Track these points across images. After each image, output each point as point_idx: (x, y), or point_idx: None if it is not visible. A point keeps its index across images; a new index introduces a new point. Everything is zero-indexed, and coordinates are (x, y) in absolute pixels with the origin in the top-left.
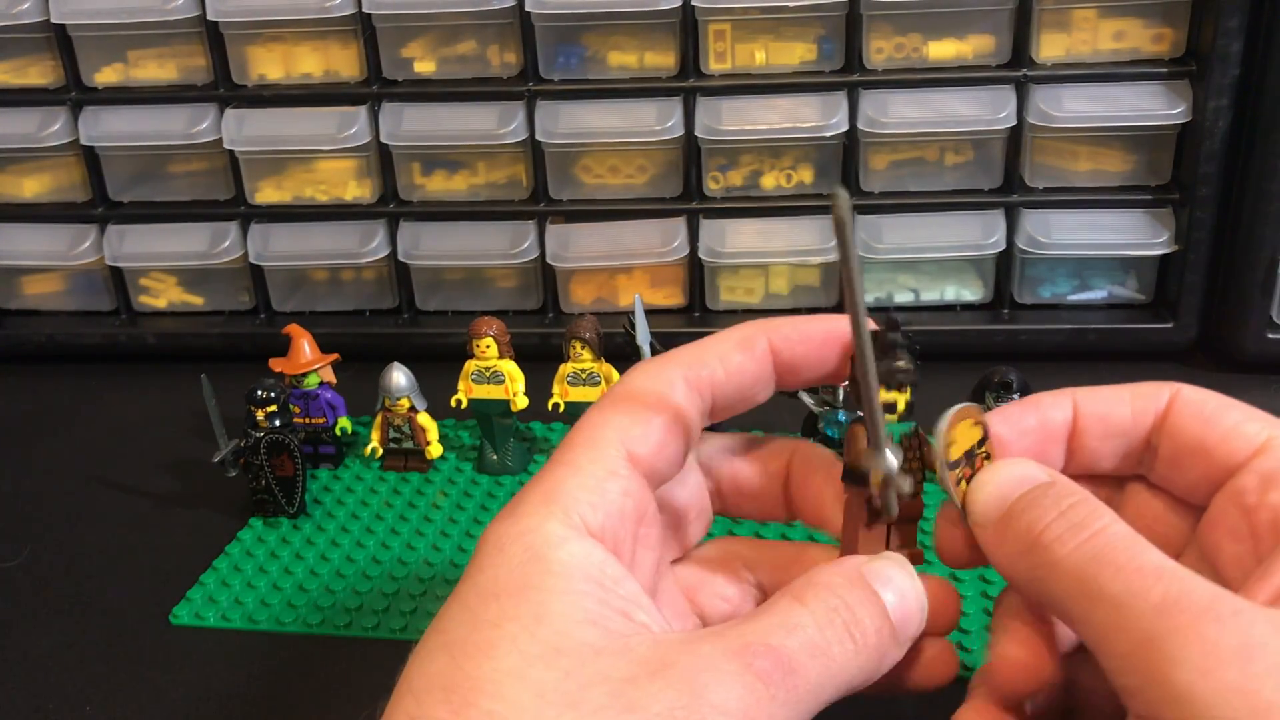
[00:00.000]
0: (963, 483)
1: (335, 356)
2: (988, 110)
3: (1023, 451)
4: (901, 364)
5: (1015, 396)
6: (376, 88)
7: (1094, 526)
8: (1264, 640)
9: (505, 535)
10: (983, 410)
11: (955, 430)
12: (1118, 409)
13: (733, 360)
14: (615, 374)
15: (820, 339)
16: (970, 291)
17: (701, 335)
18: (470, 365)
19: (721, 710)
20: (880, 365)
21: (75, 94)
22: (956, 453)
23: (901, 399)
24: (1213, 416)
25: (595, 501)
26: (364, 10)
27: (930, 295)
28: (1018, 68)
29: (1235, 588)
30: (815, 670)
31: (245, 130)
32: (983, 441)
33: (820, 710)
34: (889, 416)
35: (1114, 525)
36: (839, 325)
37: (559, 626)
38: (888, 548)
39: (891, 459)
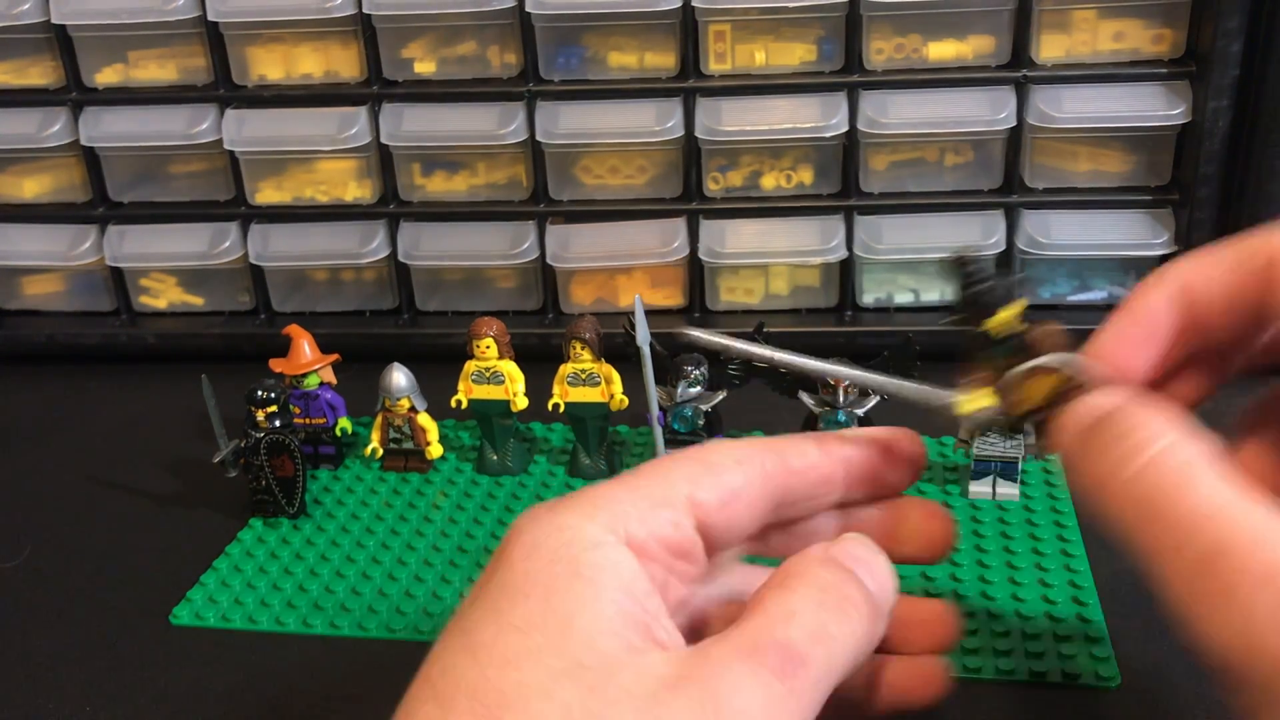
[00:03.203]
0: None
1: (335, 357)
2: (987, 111)
3: (1142, 355)
4: (988, 298)
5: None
6: (377, 88)
7: (1137, 462)
8: None
9: (541, 530)
10: (1049, 344)
11: (1025, 387)
12: (1221, 280)
13: (810, 456)
14: (615, 374)
15: (880, 454)
16: None
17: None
18: (470, 366)
19: (745, 715)
20: (973, 298)
21: (76, 94)
22: (1031, 404)
23: (1007, 315)
24: None
25: (642, 519)
26: (364, 11)
27: (930, 295)
28: (1018, 68)
29: None
30: (821, 654)
31: (245, 131)
32: (1069, 380)
33: (830, 691)
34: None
35: (1161, 456)
36: (904, 437)
37: (584, 639)
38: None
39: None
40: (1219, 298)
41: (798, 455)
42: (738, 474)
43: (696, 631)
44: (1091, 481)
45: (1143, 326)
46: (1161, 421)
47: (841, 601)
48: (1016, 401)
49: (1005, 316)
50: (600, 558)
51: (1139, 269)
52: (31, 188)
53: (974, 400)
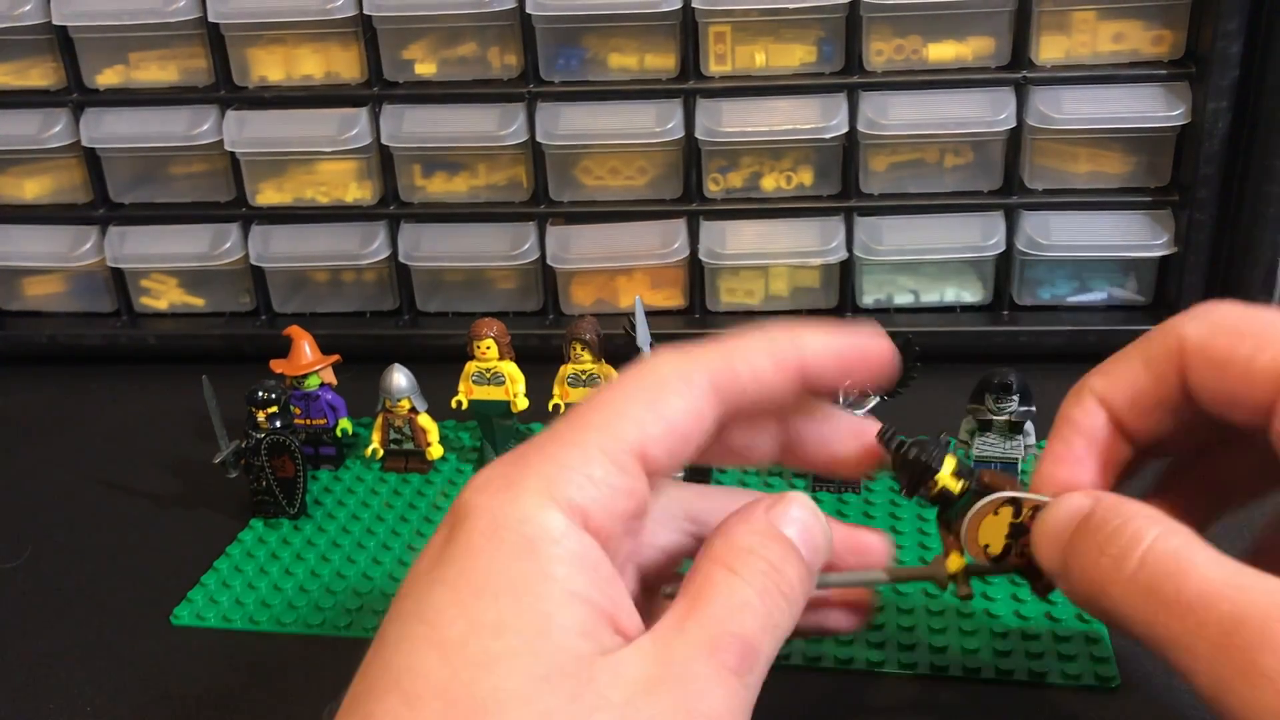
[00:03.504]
0: (1026, 550)
1: (336, 358)
2: (987, 112)
3: (1083, 471)
4: (922, 469)
5: (1015, 398)
6: (377, 89)
7: (1135, 555)
8: None
9: (500, 518)
10: (998, 488)
11: (980, 532)
12: (1140, 384)
13: (762, 371)
14: (616, 375)
15: (849, 356)
16: (970, 293)
17: (702, 337)
18: (471, 366)
19: (713, 716)
20: (906, 478)
21: (77, 95)
22: (997, 546)
23: (942, 484)
24: (1224, 365)
25: (598, 496)
26: (365, 12)
27: (930, 297)
28: (1017, 69)
29: None
30: (769, 643)
31: (246, 132)
32: (1018, 510)
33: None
34: (952, 501)
35: (1156, 545)
36: (867, 341)
37: (560, 642)
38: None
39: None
40: (1137, 400)
41: (749, 369)
42: (684, 400)
43: (646, 582)
44: (1093, 585)
45: (1073, 445)
46: (1143, 513)
47: (782, 585)
48: (983, 546)
49: (943, 477)
50: (564, 552)
51: (1139, 270)
52: (32, 189)
53: (954, 561)
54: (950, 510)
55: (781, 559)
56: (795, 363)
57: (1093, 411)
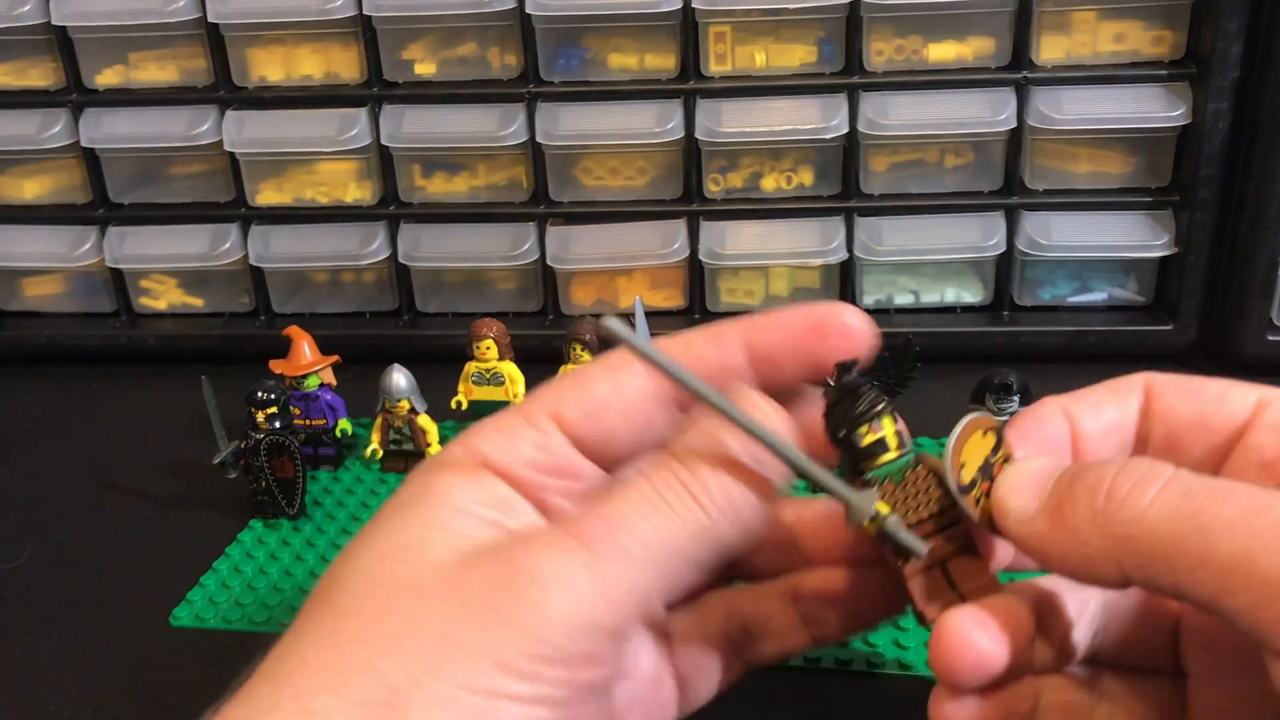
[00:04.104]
0: (982, 499)
1: (335, 358)
2: (988, 112)
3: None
4: (861, 406)
5: (1016, 399)
6: (377, 89)
7: (1165, 474)
8: None
9: (419, 471)
10: (991, 416)
11: (964, 448)
12: (1104, 408)
13: (696, 347)
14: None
15: (799, 327)
16: (970, 293)
17: None
18: (470, 367)
19: (534, 575)
20: (840, 411)
21: (76, 96)
22: (970, 473)
23: (884, 433)
24: (1195, 391)
25: (502, 444)
26: (364, 12)
27: (930, 297)
28: (1018, 70)
29: None
30: (653, 527)
31: (246, 132)
32: (997, 448)
33: (688, 568)
34: (885, 456)
35: (1184, 471)
36: (821, 313)
37: (416, 532)
38: (955, 591)
39: (864, 503)
40: (1103, 430)
41: (684, 347)
42: (606, 384)
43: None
44: (1092, 528)
45: (1038, 437)
46: (1147, 458)
47: (690, 482)
48: (961, 465)
49: (889, 424)
50: (451, 476)
51: (1139, 270)
52: (32, 189)
53: (882, 505)
54: (868, 464)
55: (700, 465)
56: (737, 340)
57: (1054, 414)
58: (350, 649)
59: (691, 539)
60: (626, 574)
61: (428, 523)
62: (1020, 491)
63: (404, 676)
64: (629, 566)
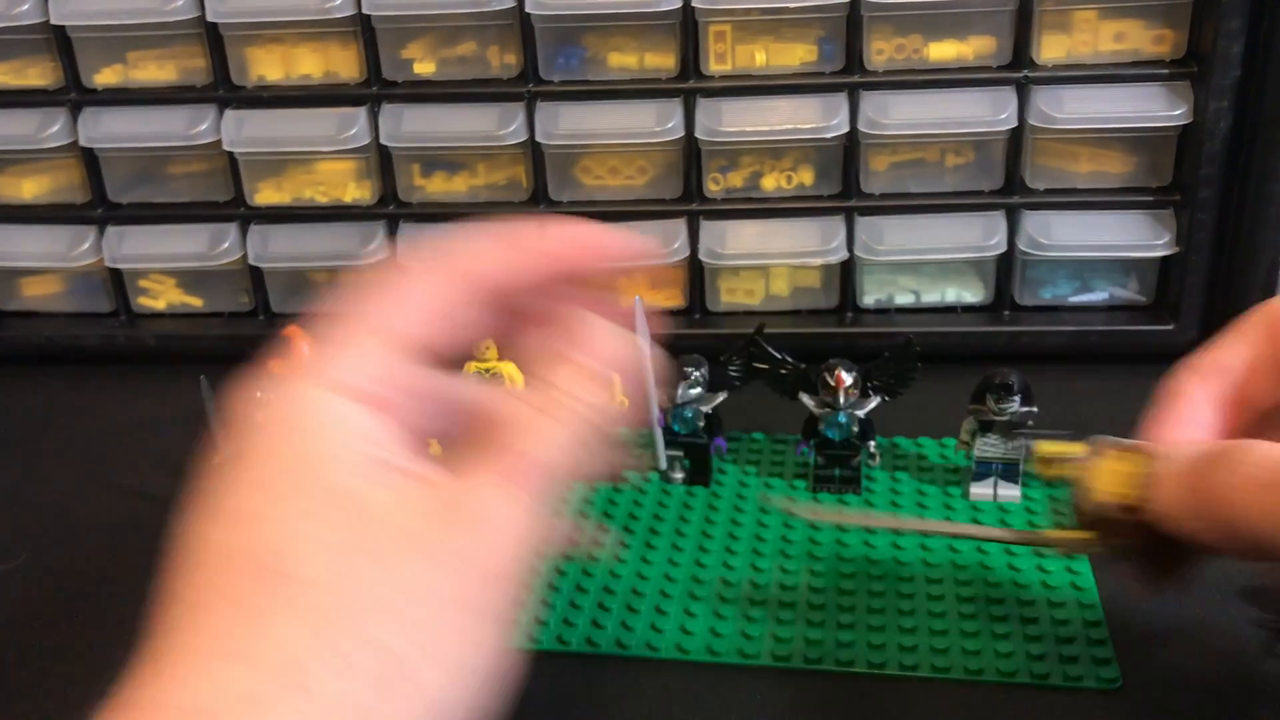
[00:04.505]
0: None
1: None
2: (988, 111)
3: (1192, 431)
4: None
5: (1016, 399)
6: (376, 89)
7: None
8: None
9: (274, 404)
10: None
11: (1100, 478)
12: (1237, 349)
13: (489, 254)
14: (616, 375)
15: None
16: (971, 293)
17: (702, 337)
18: (470, 366)
19: (506, 530)
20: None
21: (75, 95)
22: (1116, 493)
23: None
24: None
25: (352, 366)
26: (364, 11)
27: (931, 297)
28: (1018, 69)
29: None
30: (566, 459)
31: (245, 131)
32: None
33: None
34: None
35: None
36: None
37: (326, 482)
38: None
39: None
40: (1254, 370)
41: (474, 255)
42: (416, 280)
43: (453, 445)
44: (1232, 498)
45: (1181, 413)
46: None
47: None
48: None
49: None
50: (322, 413)
51: (1140, 270)
52: (30, 188)
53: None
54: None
55: (569, 379)
56: (527, 245)
57: (1207, 379)
58: (340, 621)
59: (579, 450)
60: (551, 503)
61: (334, 469)
62: (1169, 483)
63: (408, 645)
64: (556, 494)
